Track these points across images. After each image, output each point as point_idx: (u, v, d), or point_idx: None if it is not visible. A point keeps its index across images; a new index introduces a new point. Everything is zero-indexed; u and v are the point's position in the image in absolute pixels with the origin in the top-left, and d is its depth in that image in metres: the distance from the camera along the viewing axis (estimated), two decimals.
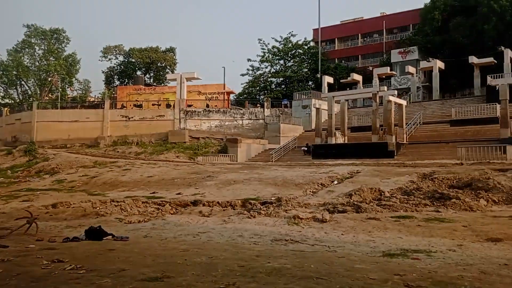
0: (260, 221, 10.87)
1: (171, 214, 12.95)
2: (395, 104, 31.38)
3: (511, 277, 5.51)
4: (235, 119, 40.85)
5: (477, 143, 25.05)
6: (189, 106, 42.21)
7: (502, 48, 38.36)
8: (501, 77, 33.14)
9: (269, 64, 58.87)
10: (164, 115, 40.84)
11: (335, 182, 16.92)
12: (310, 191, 15.68)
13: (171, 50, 64.07)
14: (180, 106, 40.45)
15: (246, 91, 59.95)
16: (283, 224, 10.41)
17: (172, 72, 59.92)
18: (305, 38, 59.82)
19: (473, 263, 6.39)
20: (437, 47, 47.14)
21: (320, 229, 9.67)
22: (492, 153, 22.78)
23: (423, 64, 44.19)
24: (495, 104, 29.35)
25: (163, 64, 62.67)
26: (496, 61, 38.95)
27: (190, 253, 7.24)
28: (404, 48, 50.37)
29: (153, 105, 45.16)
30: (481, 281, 5.23)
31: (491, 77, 33.34)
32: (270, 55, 58.45)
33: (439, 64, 42.52)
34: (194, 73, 41.60)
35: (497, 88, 28.51)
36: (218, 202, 13.88)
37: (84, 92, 59.70)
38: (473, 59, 39.45)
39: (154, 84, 59.80)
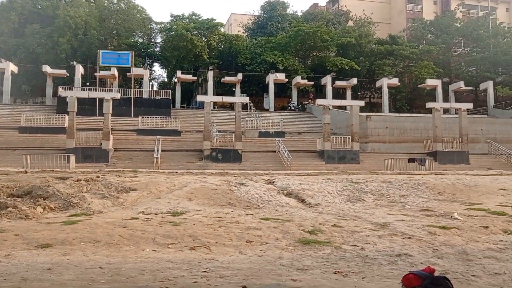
0: None
1: None
2: None
3: (50, 280, 5.48)
4: None
5: (45, 152, 25.11)
6: None
7: (75, 62, 40.45)
8: (72, 90, 34.72)
9: None
10: None
11: None
12: None
13: None
14: None
15: None
16: None
17: None
18: None
19: (17, 272, 6.06)
20: (12, 49, 44.65)
21: None
22: (58, 162, 23.40)
23: None
24: (65, 115, 30.33)
25: None
26: (68, 74, 40.61)
27: None
28: None
29: None
30: None
31: (63, 89, 34.38)
32: None
33: (12, 67, 40.20)
34: None
35: (67, 99, 29.59)
36: None
37: None
38: (47, 68, 39.59)
39: None
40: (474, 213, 11.65)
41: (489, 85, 43.95)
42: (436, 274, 4.79)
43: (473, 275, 6.23)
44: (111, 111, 28.43)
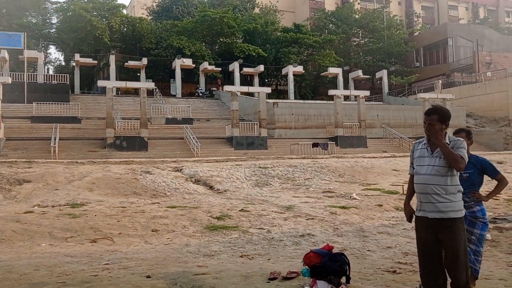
0: None
1: None
2: None
3: None
4: None
5: None
6: None
7: None
8: None
9: None
10: None
11: None
12: None
13: None
14: None
15: None
16: None
17: None
18: None
19: None
20: None
21: None
22: None
23: None
24: None
25: None
26: None
27: None
28: None
29: None
30: None
31: None
32: None
33: None
34: None
35: None
36: None
37: None
38: None
39: None
40: (370, 192, 12.48)
41: (383, 74, 47.15)
42: (334, 251, 5.06)
43: (368, 250, 6.66)
44: (1, 97, 26.00)
